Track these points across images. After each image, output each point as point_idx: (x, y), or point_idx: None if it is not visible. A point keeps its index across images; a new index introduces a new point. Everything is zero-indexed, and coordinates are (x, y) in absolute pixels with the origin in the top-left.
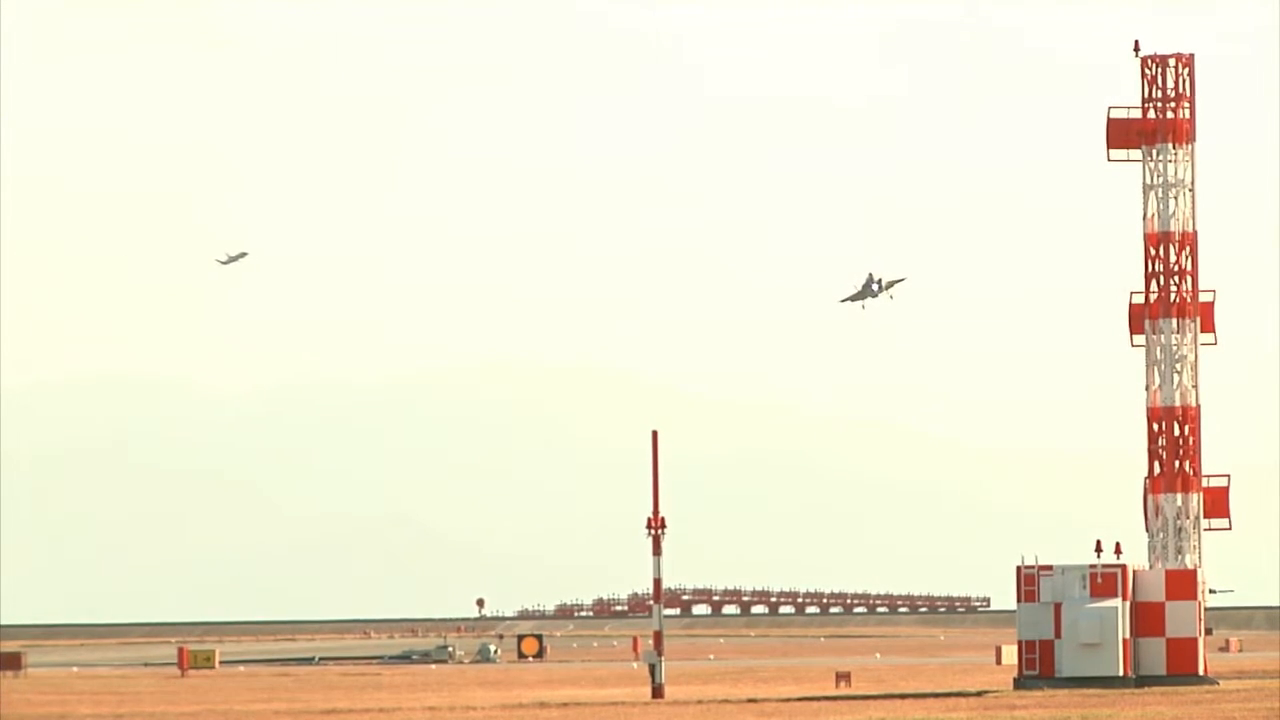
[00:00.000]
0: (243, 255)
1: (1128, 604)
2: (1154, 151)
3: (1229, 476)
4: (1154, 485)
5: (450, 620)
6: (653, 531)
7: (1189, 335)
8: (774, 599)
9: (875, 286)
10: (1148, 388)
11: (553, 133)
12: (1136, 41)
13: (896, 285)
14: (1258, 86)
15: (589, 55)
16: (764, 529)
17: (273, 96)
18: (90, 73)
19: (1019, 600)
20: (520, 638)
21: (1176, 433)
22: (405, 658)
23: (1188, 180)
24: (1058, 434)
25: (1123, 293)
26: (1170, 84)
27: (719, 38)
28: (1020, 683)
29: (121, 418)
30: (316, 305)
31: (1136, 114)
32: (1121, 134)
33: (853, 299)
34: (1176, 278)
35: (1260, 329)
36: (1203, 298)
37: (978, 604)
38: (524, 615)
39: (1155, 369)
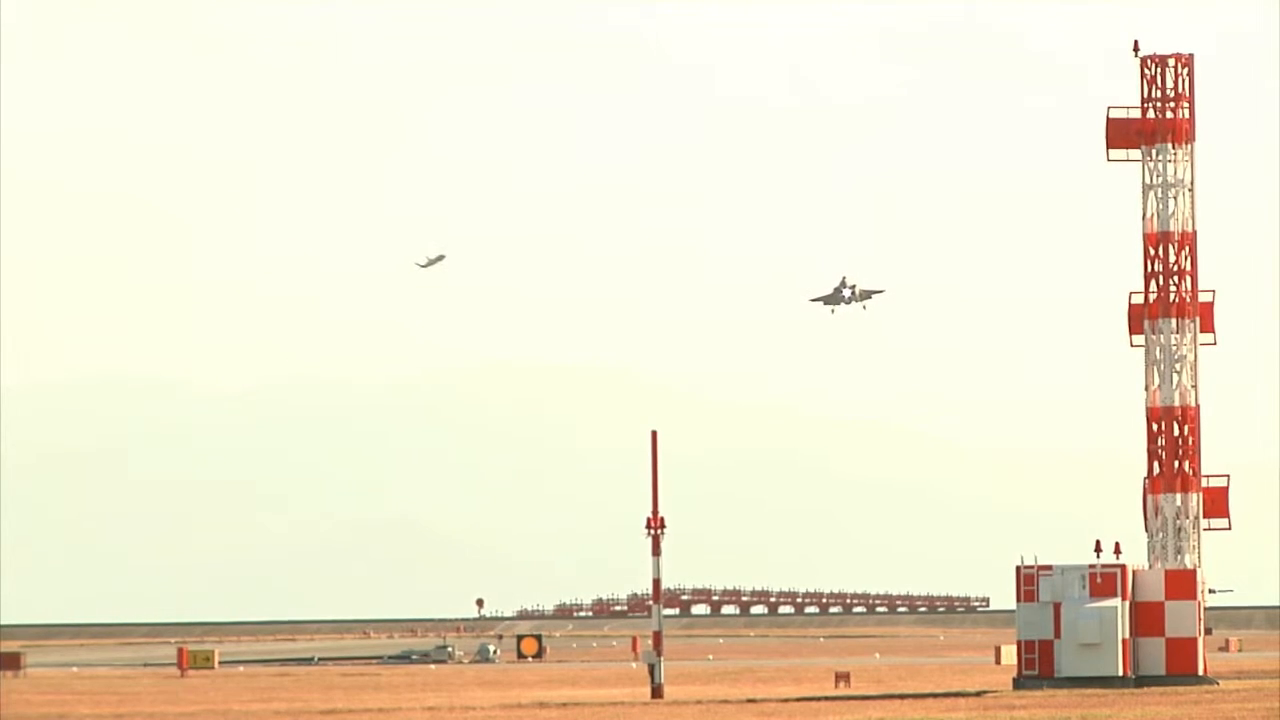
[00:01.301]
0: (441, 258)
1: (1127, 604)
2: (1153, 151)
3: (1228, 476)
4: (1153, 485)
5: (450, 620)
6: (652, 531)
7: (1188, 335)
8: (773, 599)
9: (847, 293)
10: (1147, 388)
11: (553, 133)
12: (1136, 41)
13: (873, 296)
14: (1258, 86)
15: (589, 55)
16: (763, 529)
17: (272, 96)
18: (90, 73)
19: (1018, 600)
20: (519, 638)
21: (1176, 433)
22: (404, 658)
23: (1187, 180)
24: (1057, 434)
25: (1122, 293)
26: (1170, 84)
27: (719, 38)
28: (1019, 683)
29: (121, 418)
30: (316, 305)
31: (1136, 114)
32: (1121, 134)
33: (823, 300)
34: (1176, 278)
35: (1260, 329)
36: (1202, 298)
37: (977, 604)
38: (523, 615)
39: (1155, 369)
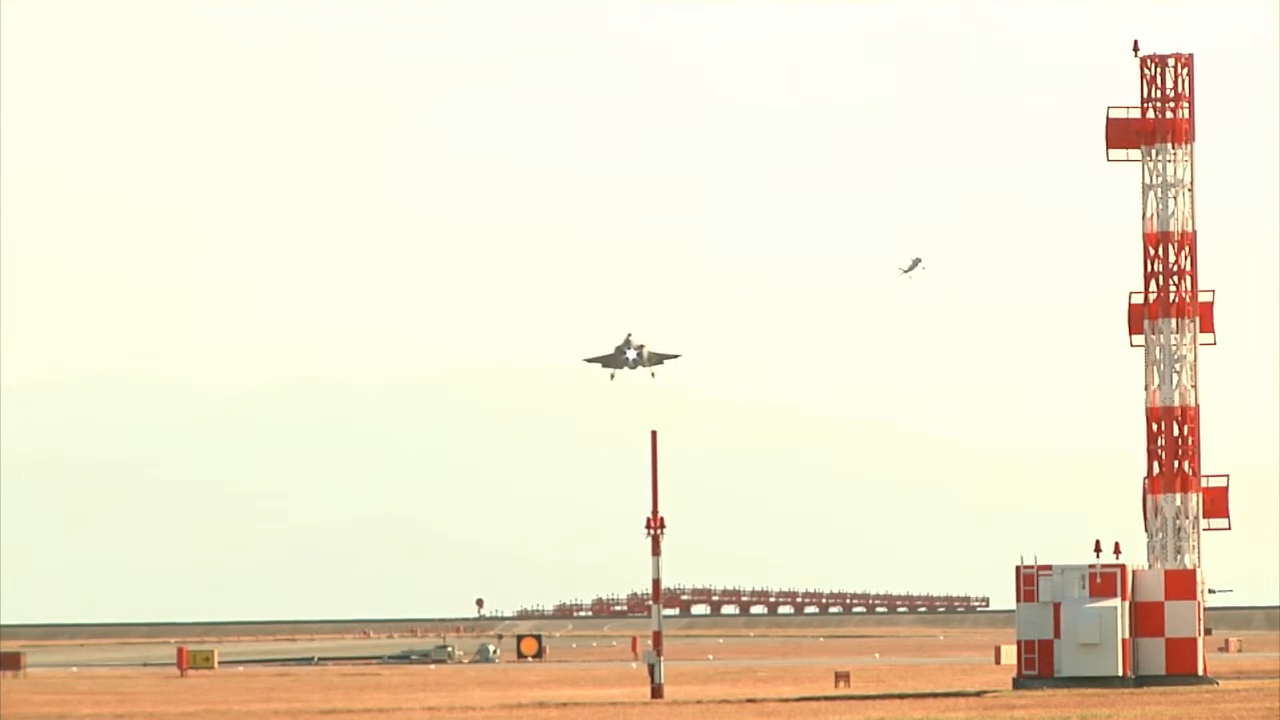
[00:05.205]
0: (918, 261)
1: (1127, 604)
2: (1153, 151)
3: (1228, 476)
4: (1153, 485)
5: (450, 620)
6: (652, 531)
7: (1188, 335)
8: (773, 599)
9: (631, 354)
10: (1147, 388)
11: (553, 133)
12: (1136, 41)
13: (664, 361)
14: (1258, 86)
15: (589, 55)
16: (763, 529)
17: (273, 96)
18: (90, 72)
19: (1018, 600)
20: (519, 638)
21: (1176, 433)
22: (404, 658)
23: (1187, 180)
24: (1058, 434)
25: (1122, 293)
26: (1169, 84)
27: (718, 39)
28: (1019, 683)
29: (121, 418)
30: (316, 305)
31: (1136, 114)
32: (1121, 134)
33: (601, 362)
34: (1176, 278)
35: (1260, 329)
36: (1202, 298)
37: (977, 604)
38: (523, 615)
39: (1154, 369)
